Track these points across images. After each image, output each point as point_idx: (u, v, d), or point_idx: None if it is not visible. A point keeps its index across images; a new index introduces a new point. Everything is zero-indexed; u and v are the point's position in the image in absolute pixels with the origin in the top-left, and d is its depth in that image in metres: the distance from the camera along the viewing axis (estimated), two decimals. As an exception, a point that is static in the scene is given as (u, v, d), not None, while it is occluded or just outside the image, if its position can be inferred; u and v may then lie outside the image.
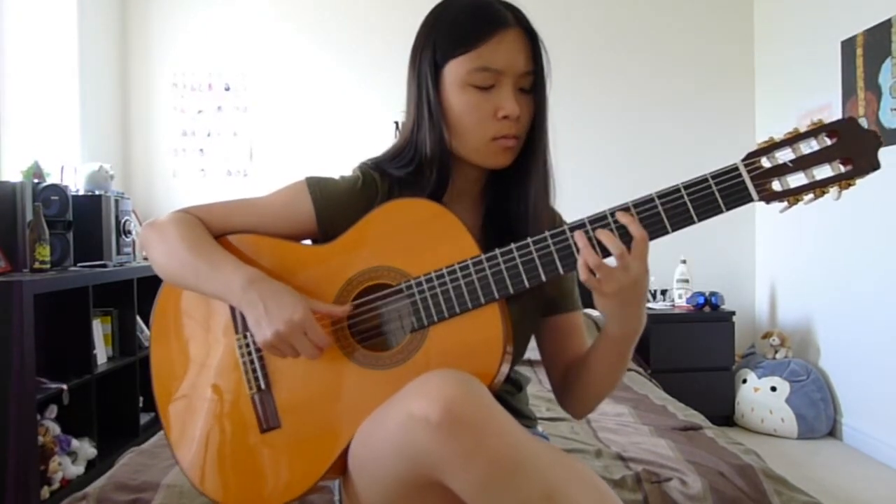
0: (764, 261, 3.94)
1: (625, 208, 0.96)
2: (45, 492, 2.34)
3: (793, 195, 0.93)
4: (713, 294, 3.54)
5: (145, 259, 3.33)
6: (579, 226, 0.97)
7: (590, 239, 0.96)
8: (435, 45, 1.08)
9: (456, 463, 0.83)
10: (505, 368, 1.00)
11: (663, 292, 3.76)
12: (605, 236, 0.95)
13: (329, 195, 1.13)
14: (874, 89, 2.95)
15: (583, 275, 0.95)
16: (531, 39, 1.08)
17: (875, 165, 0.91)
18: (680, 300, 3.62)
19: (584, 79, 3.85)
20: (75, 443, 2.56)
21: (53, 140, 3.26)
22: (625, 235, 0.95)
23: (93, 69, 3.55)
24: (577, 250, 0.96)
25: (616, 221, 0.96)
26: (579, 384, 1.14)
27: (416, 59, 1.11)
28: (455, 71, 1.06)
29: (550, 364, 1.22)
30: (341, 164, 1.23)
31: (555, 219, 1.19)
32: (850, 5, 3.13)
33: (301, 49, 3.90)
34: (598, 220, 0.97)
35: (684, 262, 3.66)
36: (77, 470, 2.52)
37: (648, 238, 0.95)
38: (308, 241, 1.16)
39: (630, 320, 1.01)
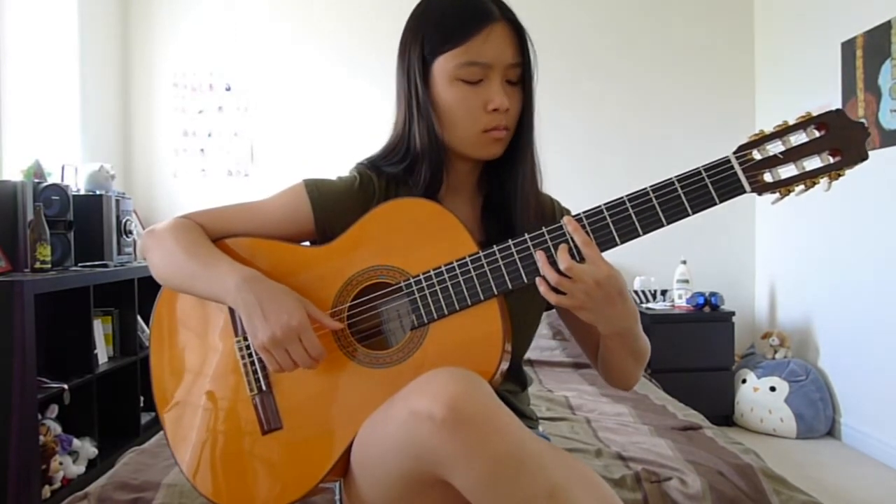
0: (764, 261, 3.94)
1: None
2: (47, 491, 2.35)
3: (784, 186, 0.95)
4: (713, 294, 3.54)
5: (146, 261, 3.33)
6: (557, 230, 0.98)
7: (548, 257, 0.97)
8: (423, 41, 1.09)
9: (459, 460, 0.84)
10: (504, 365, 1.00)
11: (663, 292, 3.76)
12: (560, 251, 0.96)
13: (326, 196, 1.13)
14: (874, 90, 2.95)
15: (541, 289, 0.96)
16: (517, 32, 1.08)
17: (863, 156, 0.92)
18: (680, 300, 3.62)
19: (584, 76, 3.83)
20: (76, 442, 2.56)
21: (54, 140, 3.26)
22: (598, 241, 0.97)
23: (94, 69, 3.55)
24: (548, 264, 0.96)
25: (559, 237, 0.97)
26: (607, 371, 1.17)
27: (404, 54, 1.12)
28: (444, 66, 1.07)
29: (582, 347, 1.24)
30: (343, 165, 1.24)
31: (552, 204, 1.21)
32: (849, 7, 3.13)
33: (302, 49, 3.90)
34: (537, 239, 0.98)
35: (684, 262, 3.66)
36: (78, 469, 2.53)
37: (642, 233, 0.96)
38: (307, 243, 1.16)
39: (614, 321, 1.01)
